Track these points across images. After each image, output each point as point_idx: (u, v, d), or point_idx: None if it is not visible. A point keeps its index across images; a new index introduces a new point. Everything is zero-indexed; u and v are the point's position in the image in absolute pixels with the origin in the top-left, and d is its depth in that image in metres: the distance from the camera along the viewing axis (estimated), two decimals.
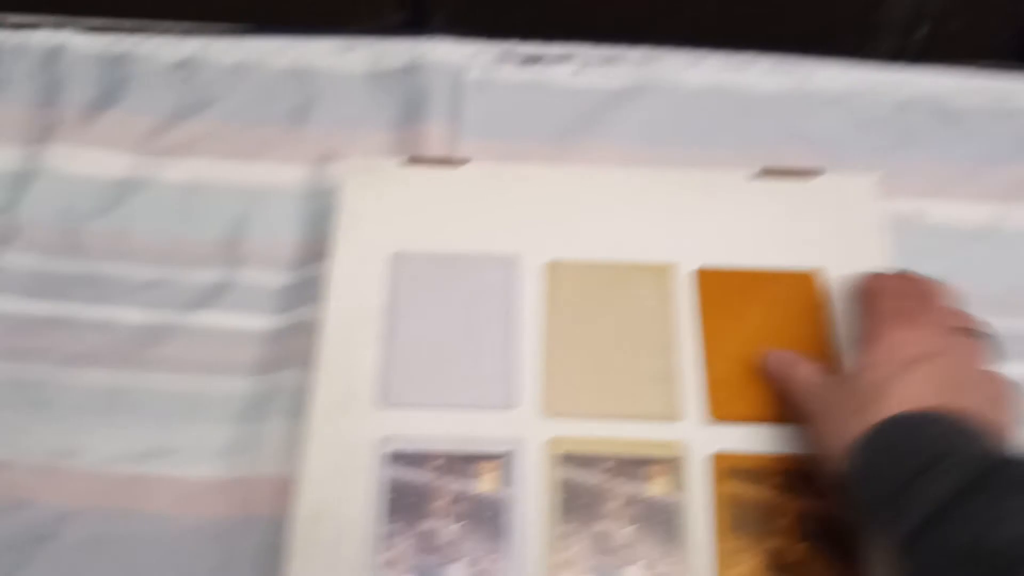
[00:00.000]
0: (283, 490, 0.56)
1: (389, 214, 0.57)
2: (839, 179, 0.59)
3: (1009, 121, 0.72)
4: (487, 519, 0.48)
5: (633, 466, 0.50)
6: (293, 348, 0.61)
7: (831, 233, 0.57)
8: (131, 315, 0.63)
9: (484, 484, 0.49)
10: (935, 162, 0.70)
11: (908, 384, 0.45)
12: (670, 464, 0.50)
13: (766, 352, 0.52)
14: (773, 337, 0.53)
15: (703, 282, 0.55)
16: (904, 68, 0.75)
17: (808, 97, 0.73)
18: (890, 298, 0.51)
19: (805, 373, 0.50)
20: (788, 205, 0.58)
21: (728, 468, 0.50)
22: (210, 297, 0.64)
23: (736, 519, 0.49)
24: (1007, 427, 0.47)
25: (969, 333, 0.50)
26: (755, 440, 0.51)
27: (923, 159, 0.70)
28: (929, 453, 0.41)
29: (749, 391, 0.52)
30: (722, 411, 0.51)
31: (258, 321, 0.63)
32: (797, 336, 0.53)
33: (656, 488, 0.49)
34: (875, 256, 0.56)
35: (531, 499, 0.49)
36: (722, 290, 0.55)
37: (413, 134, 0.70)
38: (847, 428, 0.45)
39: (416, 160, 0.59)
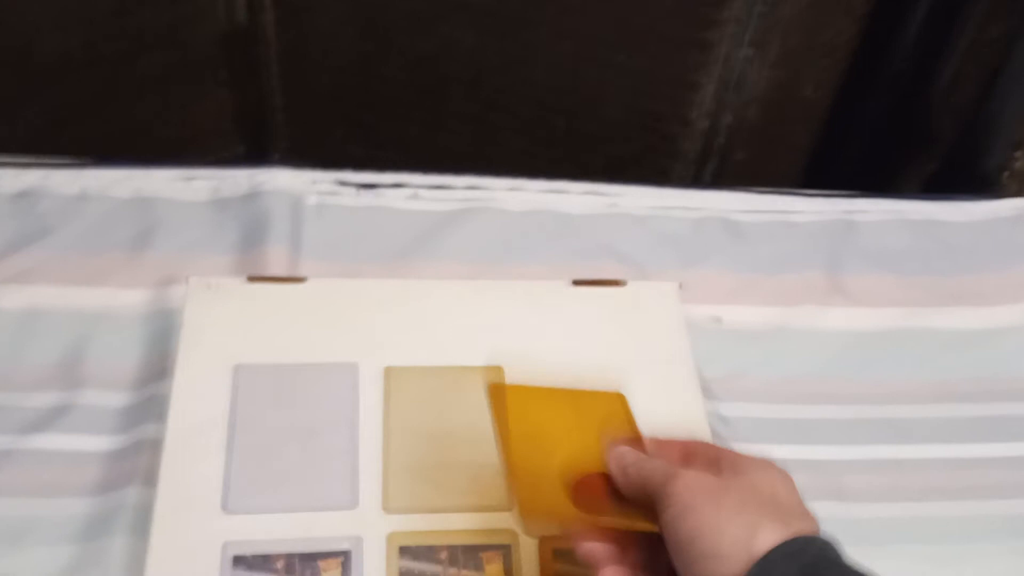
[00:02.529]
0: None
1: (231, 329, 0.60)
2: (644, 287, 0.66)
3: (789, 234, 0.83)
4: None
5: (468, 554, 0.53)
6: (135, 466, 0.62)
7: (638, 334, 0.63)
8: None
9: None
10: (727, 272, 0.79)
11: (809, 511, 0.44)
12: (502, 550, 0.54)
13: (612, 444, 0.48)
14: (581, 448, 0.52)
15: (509, 397, 0.54)
16: (699, 191, 0.85)
17: (616, 217, 0.81)
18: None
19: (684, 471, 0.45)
20: (601, 310, 0.64)
21: (553, 549, 0.54)
22: (49, 420, 0.64)
23: None
24: None
25: None
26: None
27: (717, 269, 0.80)
28: None
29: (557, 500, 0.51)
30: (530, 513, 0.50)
31: (99, 442, 0.63)
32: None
33: (490, 574, 0.53)
34: (679, 354, 0.63)
35: None
36: (529, 404, 0.54)
37: (254, 257, 0.73)
38: (764, 527, 0.41)
39: (257, 278, 0.63)
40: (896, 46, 0.94)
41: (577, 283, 0.66)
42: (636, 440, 0.51)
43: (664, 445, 0.50)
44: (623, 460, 0.47)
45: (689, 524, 0.42)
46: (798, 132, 0.96)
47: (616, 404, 0.54)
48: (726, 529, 0.41)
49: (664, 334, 0.64)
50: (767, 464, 0.46)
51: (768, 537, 0.41)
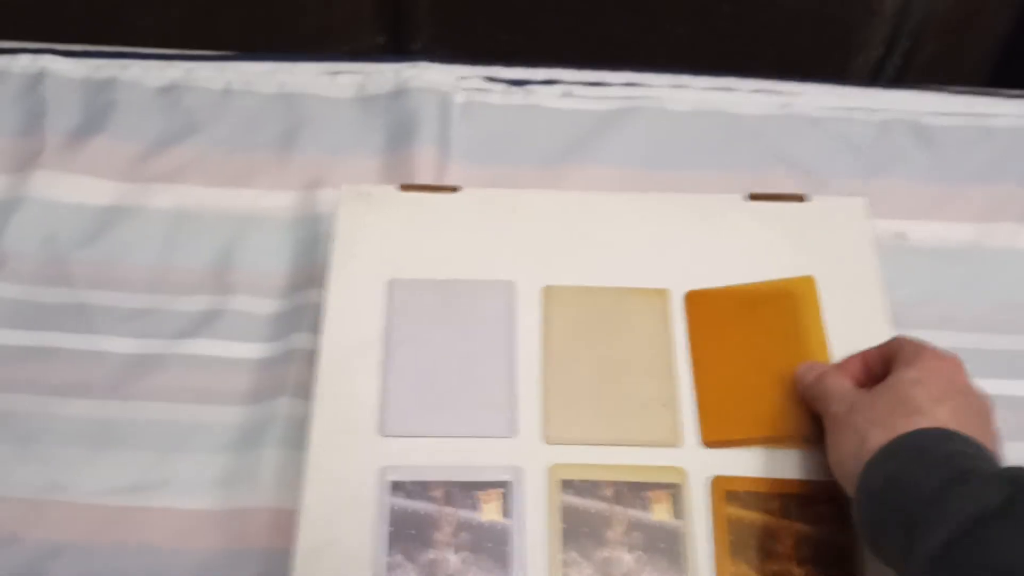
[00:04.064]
0: (279, 521, 0.56)
1: (384, 241, 0.57)
2: (829, 203, 0.60)
3: (986, 141, 0.74)
4: (489, 549, 0.48)
5: (634, 492, 0.50)
6: (286, 376, 0.61)
7: (823, 257, 0.57)
8: (120, 345, 0.62)
9: (486, 513, 0.49)
10: (915, 183, 0.71)
11: (936, 405, 0.45)
12: (671, 489, 0.50)
13: (800, 364, 0.52)
14: (765, 356, 0.53)
15: (690, 304, 0.56)
16: (883, 91, 0.76)
17: (791, 119, 0.74)
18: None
19: (836, 379, 0.50)
20: (780, 229, 0.58)
21: (727, 492, 0.50)
22: (200, 325, 0.63)
23: (736, 544, 0.49)
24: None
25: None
26: (752, 464, 0.51)
27: (903, 180, 0.72)
28: (955, 467, 0.41)
29: (740, 413, 0.52)
30: (712, 435, 0.52)
31: (250, 349, 0.62)
32: (789, 352, 0.53)
33: (657, 514, 0.49)
34: (867, 278, 0.57)
35: (533, 527, 0.49)
36: (710, 311, 0.55)
37: (402, 159, 0.70)
38: (871, 435, 0.44)
39: (410, 187, 0.59)
40: None
41: (754, 197, 0.60)
42: (820, 348, 0.54)
43: (849, 361, 0.52)
44: (802, 382, 0.51)
45: (830, 448, 0.47)
46: (997, 23, 0.85)
47: (802, 291, 0.55)
48: (844, 447, 0.46)
49: (850, 256, 0.58)
50: (920, 358, 0.48)
51: (872, 444, 0.44)
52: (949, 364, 0.48)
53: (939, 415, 0.45)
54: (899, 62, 0.84)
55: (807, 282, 0.56)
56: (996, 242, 0.69)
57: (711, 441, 0.52)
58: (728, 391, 0.53)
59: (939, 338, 0.64)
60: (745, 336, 0.54)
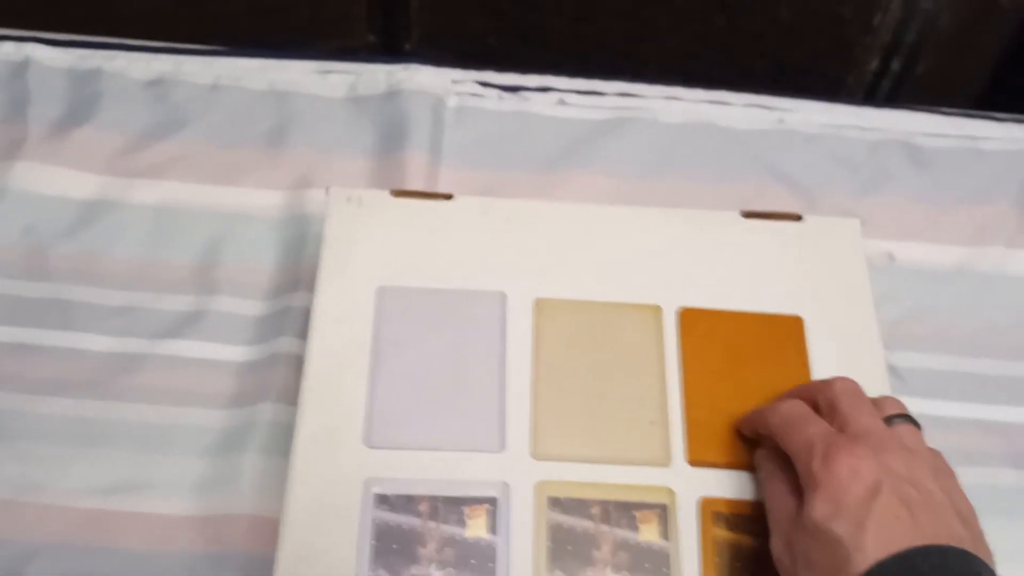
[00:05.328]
0: (259, 527, 0.55)
1: (374, 247, 0.56)
2: (823, 223, 0.59)
3: (977, 163, 0.74)
4: (474, 565, 0.47)
5: (621, 512, 0.49)
6: (269, 380, 0.60)
7: (815, 277, 0.57)
8: (100, 342, 0.61)
9: (471, 529, 0.48)
10: (906, 203, 0.71)
11: (879, 525, 0.40)
12: (659, 510, 0.50)
13: (778, 401, 0.50)
14: (756, 384, 0.53)
15: (684, 322, 0.55)
16: (876, 110, 0.76)
17: (784, 135, 0.74)
18: (811, 422, 0.46)
19: (774, 484, 0.47)
20: (773, 247, 0.58)
21: (715, 513, 0.50)
22: (183, 326, 0.62)
23: (722, 566, 0.49)
24: (979, 537, 0.43)
25: (904, 418, 0.48)
26: (741, 486, 0.51)
27: (894, 199, 0.72)
28: None
29: (728, 437, 0.52)
30: (698, 456, 0.51)
31: (233, 352, 0.61)
32: (778, 380, 0.53)
33: (645, 534, 0.49)
34: (858, 301, 0.57)
35: (519, 545, 0.48)
36: (704, 332, 0.55)
37: (392, 161, 0.69)
38: None
39: (402, 192, 0.58)
40: None
41: (748, 215, 0.59)
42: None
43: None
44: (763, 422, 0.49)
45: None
46: (990, 46, 0.85)
47: (791, 329, 0.55)
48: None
49: (842, 278, 0.58)
50: (825, 474, 0.43)
51: None
52: (858, 456, 0.42)
53: (867, 542, 0.40)
54: (892, 81, 0.84)
55: (796, 321, 0.56)
56: (985, 265, 0.69)
57: (696, 461, 0.51)
58: (718, 413, 0.53)
59: (924, 360, 0.65)
60: (737, 361, 0.54)
